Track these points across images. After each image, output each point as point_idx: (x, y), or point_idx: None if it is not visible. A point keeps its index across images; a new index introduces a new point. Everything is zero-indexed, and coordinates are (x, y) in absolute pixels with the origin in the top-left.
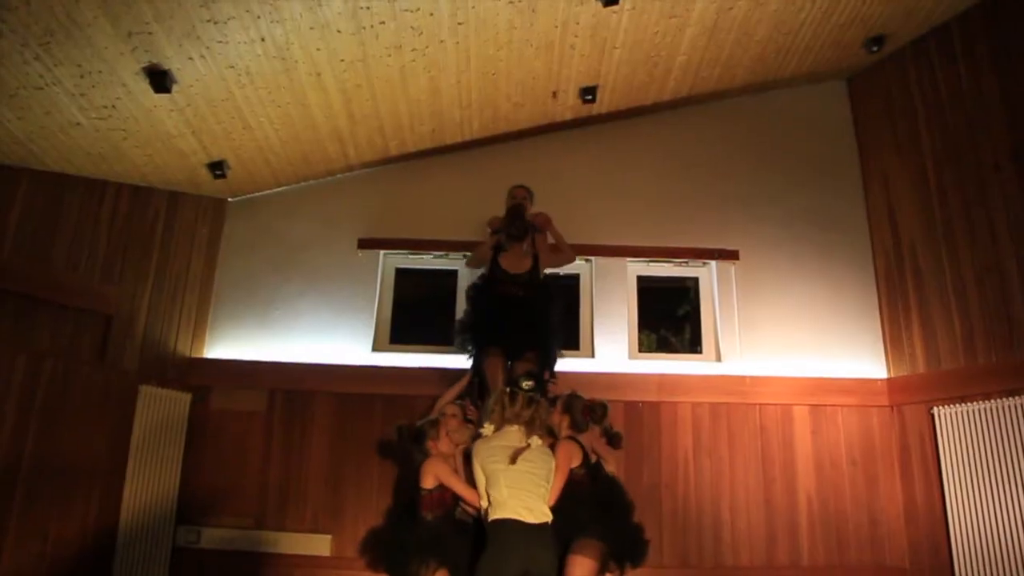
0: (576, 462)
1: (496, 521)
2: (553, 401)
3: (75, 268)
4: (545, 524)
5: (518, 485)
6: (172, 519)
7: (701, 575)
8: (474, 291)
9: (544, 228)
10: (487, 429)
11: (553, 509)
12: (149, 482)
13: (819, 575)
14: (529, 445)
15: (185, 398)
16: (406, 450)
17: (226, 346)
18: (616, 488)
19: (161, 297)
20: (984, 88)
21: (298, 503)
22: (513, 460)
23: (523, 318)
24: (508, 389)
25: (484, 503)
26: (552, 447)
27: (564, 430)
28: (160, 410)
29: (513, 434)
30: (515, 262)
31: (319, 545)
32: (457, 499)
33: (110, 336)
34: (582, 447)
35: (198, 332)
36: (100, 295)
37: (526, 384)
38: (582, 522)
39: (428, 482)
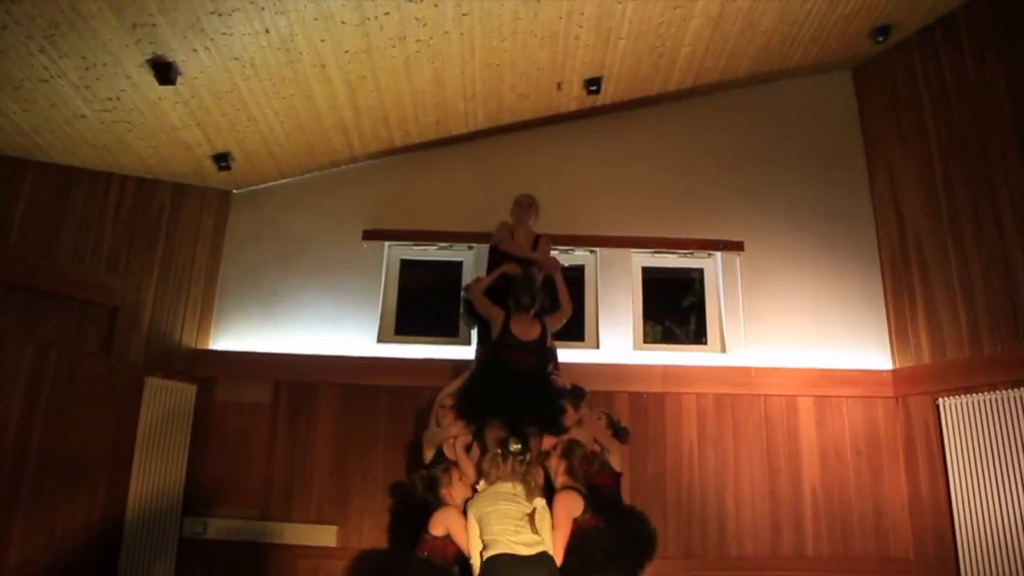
0: (577, 512)
1: (491, 558)
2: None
3: (81, 260)
4: (542, 553)
5: (505, 523)
6: (178, 510)
7: (705, 565)
8: (481, 356)
9: (553, 272)
10: (481, 486)
11: (566, 553)
12: (155, 473)
13: (823, 566)
14: (535, 509)
15: (190, 389)
16: (423, 498)
17: (231, 338)
18: (633, 519)
19: (166, 289)
20: (990, 78)
21: (303, 494)
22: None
23: (527, 393)
24: (499, 451)
25: (475, 560)
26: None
27: (560, 475)
28: (165, 402)
29: (506, 485)
30: (525, 329)
31: (325, 536)
32: (457, 556)
33: (116, 328)
34: (582, 495)
35: (203, 324)
36: (106, 287)
37: (514, 447)
38: (597, 562)
39: (437, 529)
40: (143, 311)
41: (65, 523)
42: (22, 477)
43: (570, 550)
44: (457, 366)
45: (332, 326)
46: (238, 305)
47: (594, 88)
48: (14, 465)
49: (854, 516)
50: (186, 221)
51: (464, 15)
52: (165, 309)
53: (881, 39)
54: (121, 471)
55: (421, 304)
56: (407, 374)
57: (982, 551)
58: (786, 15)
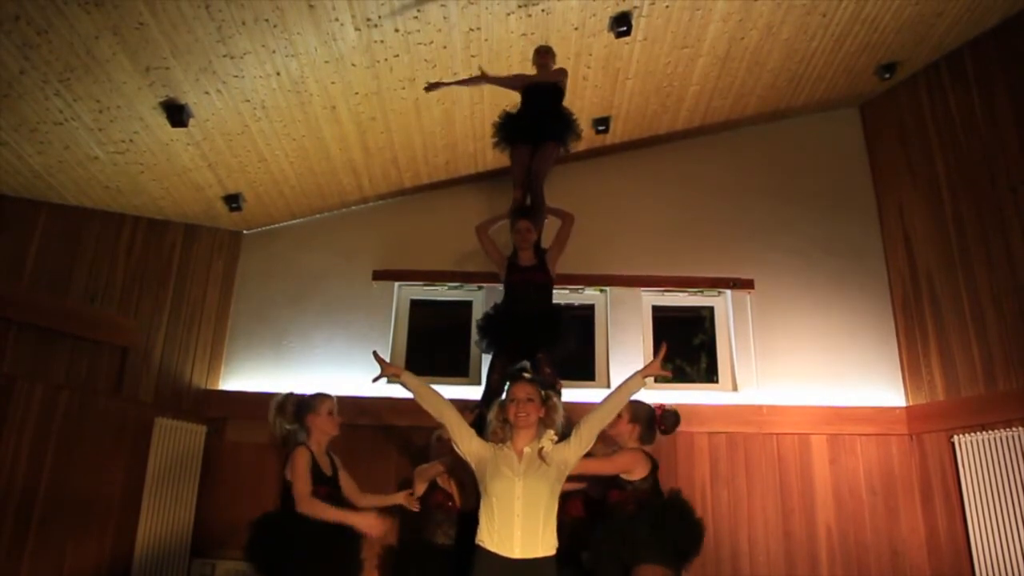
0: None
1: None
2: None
3: (92, 300)
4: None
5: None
6: (187, 552)
7: None
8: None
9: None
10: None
11: (606, 529)
12: (164, 515)
13: None
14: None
15: (200, 430)
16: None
17: (241, 378)
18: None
19: (177, 329)
20: (998, 112)
21: None
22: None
23: (536, 321)
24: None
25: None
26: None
27: (632, 441)
28: (175, 442)
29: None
30: (529, 256)
31: None
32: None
33: (126, 368)
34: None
35: (213, 364)
36: (117, 327)
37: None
38: (639, 546)
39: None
40: (153, 351)
41: (73, 563)
42: (31, 516)
43: (610, 528)
44: (468, 406)
45: (342, 366)
46: (248, 345)
47: (602, 128)
48: (23, 504)
49: (871, 556)
50: (197, 261)
51: (473, 56)
52: (175, 349)
53: (887, 76)
54: (130, 512)
55: (431, 344)
56: (418, 415)
57: None
58: (792, 53)
